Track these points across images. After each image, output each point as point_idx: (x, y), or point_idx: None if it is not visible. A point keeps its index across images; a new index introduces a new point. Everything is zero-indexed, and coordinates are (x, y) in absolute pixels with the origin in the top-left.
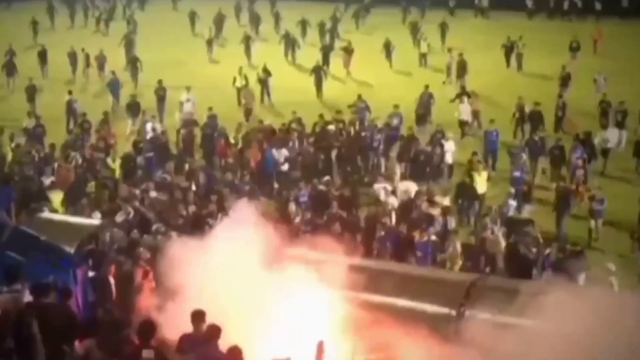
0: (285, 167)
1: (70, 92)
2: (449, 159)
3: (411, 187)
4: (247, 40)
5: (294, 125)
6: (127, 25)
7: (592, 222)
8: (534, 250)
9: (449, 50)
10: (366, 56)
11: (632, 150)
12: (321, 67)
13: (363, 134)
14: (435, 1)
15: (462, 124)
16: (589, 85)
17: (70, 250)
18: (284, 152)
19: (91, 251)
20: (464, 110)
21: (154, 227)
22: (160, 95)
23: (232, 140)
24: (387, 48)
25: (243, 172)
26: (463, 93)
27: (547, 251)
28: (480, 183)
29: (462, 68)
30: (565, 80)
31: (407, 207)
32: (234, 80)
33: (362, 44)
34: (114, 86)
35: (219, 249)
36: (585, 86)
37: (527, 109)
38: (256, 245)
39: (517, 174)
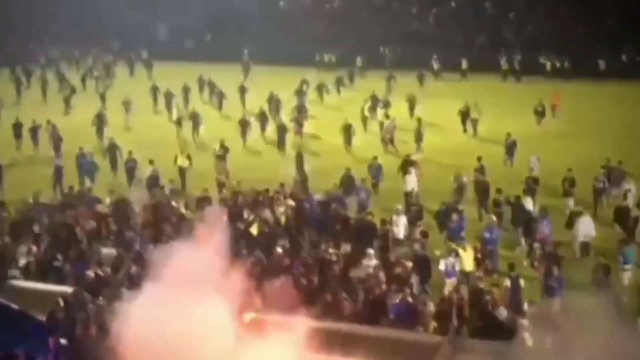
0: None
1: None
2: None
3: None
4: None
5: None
6: (100, 99)
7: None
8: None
9: (418, 119)
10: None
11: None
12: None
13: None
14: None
15: (407, 195)
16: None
17: (42, 318)
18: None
19: (62, 318)
20: (410, 181)
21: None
22: (130, 166)
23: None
24: (348, 130)
25: None
26: (408, 163)
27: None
28: (468, 260)
29: (418, 134)
30: (510, 148)
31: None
32: (175, 158)
33: (326, 117)
34: (86, 166)
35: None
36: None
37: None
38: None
39: (487, 234)
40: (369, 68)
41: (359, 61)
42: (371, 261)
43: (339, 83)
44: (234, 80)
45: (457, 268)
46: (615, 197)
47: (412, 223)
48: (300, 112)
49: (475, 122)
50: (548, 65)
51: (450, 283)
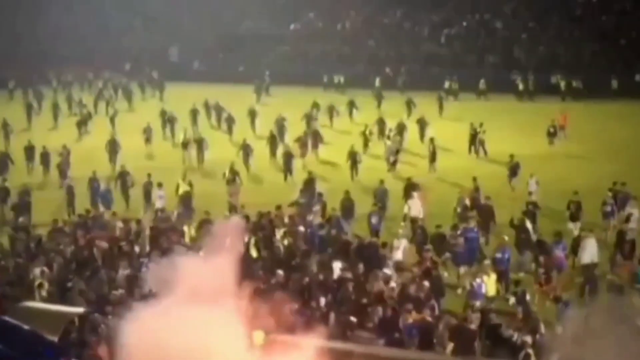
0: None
1: None
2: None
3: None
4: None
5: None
6: (110, 123)
7: None
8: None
9: (431, 140)
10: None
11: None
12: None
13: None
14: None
15: (413, 220)
16: (552, 172)
17: (54, 338)
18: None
19: (75, 338)
20: (413, 205)
21: None
22: (147, 190)
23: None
24: (354, 156)
25: None
26: (411, 186)
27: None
28: (491, 285)
29: (432, 155)
30: (514, 170)
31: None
32: (177, 186)
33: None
34: (102, 193)
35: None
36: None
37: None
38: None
39: (499, 255)
40: (383, 89)
41: (377, 82)
42: (389, 281)
43: (351, 105)
44: (244, 103)
45: (483, 291)
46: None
47: (418, 246)
48: (311, 136)
49: (482, 143)
50: (562, 85)
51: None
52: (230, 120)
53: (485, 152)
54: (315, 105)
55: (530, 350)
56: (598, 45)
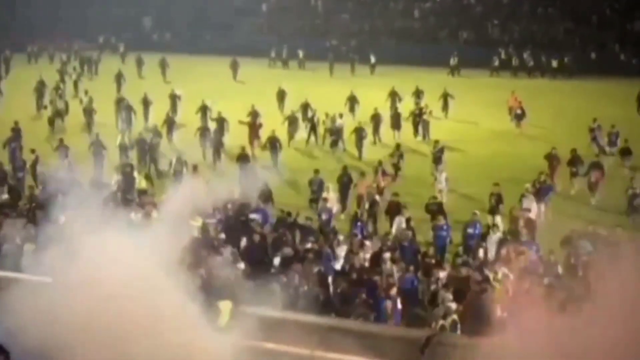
0: None
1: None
2: None
3: None
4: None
5: None
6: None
7: None
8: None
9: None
10: None
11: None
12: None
13: None
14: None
15: None
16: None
17: None
18: None
19: None
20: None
21: None
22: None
23: None
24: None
25: None
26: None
27: None
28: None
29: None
30: (438, 158)
31: None
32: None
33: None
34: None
35: None
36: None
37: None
38: None
39: (470, 230)
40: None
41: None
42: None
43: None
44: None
45: None
46: None
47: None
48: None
49: (426, 125)
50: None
51: None
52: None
53: (427, 136)
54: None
55: None
56: (572, 23)
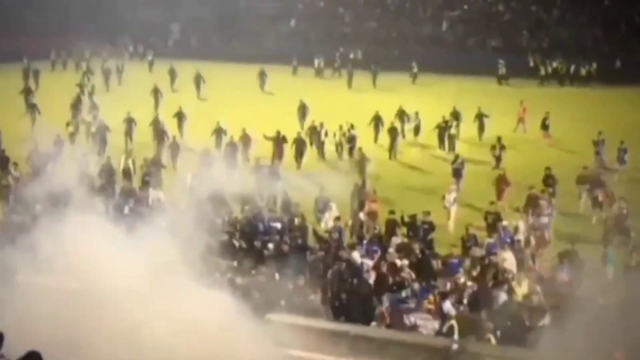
0: None
1: None
2: None
3: None
4: None
5: None
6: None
7: None
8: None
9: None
10: None
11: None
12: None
13: None
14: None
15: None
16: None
17: None
18: None
19: None
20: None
21: None
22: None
23: None
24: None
25: None
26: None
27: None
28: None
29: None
30: (457, 171)
31: None
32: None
33: None
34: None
35: None
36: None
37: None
38: None
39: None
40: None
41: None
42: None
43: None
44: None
45: None
46: None
47: None
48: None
49: (452, 138)
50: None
51: None
52: None
53: (453, 149)
54: None
55: None
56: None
